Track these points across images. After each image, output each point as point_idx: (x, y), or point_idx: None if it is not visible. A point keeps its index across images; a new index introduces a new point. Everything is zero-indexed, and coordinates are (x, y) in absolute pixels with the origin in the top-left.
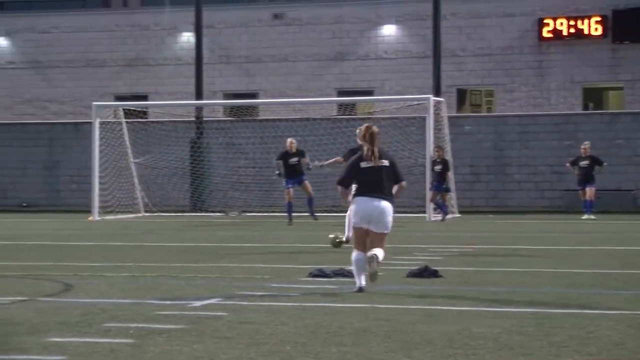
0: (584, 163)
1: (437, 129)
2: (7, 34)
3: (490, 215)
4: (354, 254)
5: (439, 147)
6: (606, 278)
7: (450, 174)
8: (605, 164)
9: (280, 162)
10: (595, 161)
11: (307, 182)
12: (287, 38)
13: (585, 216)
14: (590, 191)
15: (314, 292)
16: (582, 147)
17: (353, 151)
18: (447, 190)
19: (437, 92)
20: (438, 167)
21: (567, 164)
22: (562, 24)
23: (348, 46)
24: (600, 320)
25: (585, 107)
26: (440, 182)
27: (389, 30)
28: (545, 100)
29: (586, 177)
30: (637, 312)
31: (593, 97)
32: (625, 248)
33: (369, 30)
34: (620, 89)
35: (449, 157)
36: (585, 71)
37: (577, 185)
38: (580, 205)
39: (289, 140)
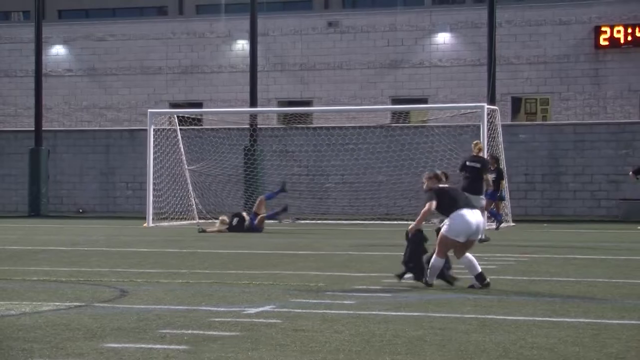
0: None
1: (492, 137)
2: (64, 42)
3: (545, 225)
4: (440, 260)
5: (492, 156)
6: None
7: (505, 183)
8: None
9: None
10: None
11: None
12: (341, 46)
13: None
14: None
15: (368, 300)
16: None
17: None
18: (502, 198)
19: (491, 100)
20: (493, 176)
21: (631, 173)
22: (619, 31)
23: (402, 54)
24: None
25: None
26: (494, 191)
27: (443, 37)
28: (601, 109)
29: None
30: None
31: None
32: None
33: (423, 38)
34: None
35: (503, 165)
36: None
37: None
38: (639, 214)
39: None
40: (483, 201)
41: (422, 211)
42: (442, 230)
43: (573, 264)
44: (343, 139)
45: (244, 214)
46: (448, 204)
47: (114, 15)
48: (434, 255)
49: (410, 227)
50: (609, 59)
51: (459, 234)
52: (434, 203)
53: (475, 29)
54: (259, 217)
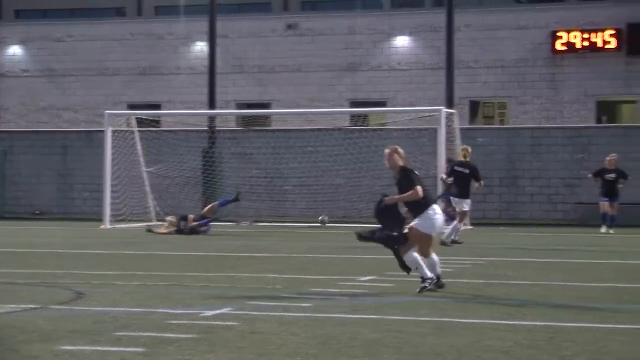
0: (610, 176)
1: (449, 140)
2: (21, 42)
3: (502, 228)
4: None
5: (449, 160)
6: (619, 292)
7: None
8: (629, 177)
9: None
10: (621, 174)
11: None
12: (300, 48)
13: (604, 229)
14: (614, 205)
15: (325, 303)
16: (608, 159)
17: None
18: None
19: (449, 103)
20: (451, 179)
21: (590, 176)
22: (575, 37)
23: (361, 57)
24: (612, 334)
25: (599, 121)
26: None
27: (402, 41)
28: (558, 113)
29: (611, 191)
30: None
31: (606, 110)
32: (637, 262)
33: (382, 41)
34: (634, 102)
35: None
36: (599, 84)
37: (600, 197)
38: (594, 218)
39: None
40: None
41: (408, 194)
42: (418, 226)
43: (529, 267)
44: (301, 141)
45: (191, 216)
46: (424, 196)
47: (72, 15)
48: (410, 252)
49: (388, 199)
50: (565, 63)
51: (432, 229)
52: (420, 189)
53: (434, 32)
54: (206, 210)
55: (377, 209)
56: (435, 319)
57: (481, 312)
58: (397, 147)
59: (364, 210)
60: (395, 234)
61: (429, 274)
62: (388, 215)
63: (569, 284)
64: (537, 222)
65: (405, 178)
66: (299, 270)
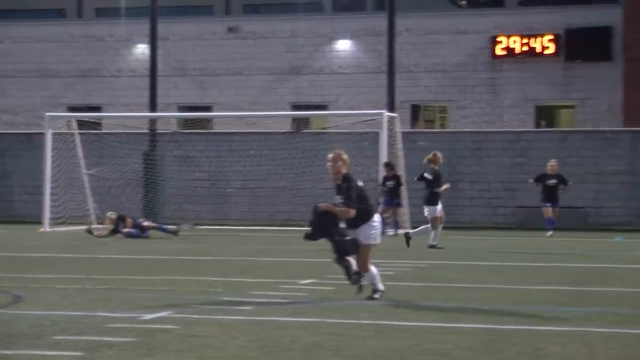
0: (551, 182)
1: (391, 144)
2: None
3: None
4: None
5: (387, 164)
6: (557, 295)
7: (403, 190)
8: (570, 183)
9: None
10: (562, 180)
11: None
12: (241, 51)
13: (550, 233)
14: (555, 210)
15: (265, 306)
16: (549, 164)
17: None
18: (399, 205)
19: (391, 107)
20: (390, 183)
21: (531, 181)
22: (515, 42)
23: (303, 60)
24: (550, 336)
25: (538, 125)
26: (392, 198)
27: (343, 45)
28: (497, 118)
29: (552, 196)
30: (587, 329)
31: (545, 114)
32: (575, 265)
33: (323, 45)
34: (572, 107)
35: (402, 172)
36: (538, 89)
37: (541, 203)
38: (534, 221)
39: None
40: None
41: (340, 210)
42: (368, 240)
43: (469, 271)
44: (244, 145)
45: (130, 219)
46: (366, 204)
47: (12, 17)
48: (364, 271)
49: (323, 204)
50: (505, 68)
51: (376, 239)
52: (352, 212)
53: (375, 36)
54: (145, 224)
55: (314, 216)
56: (376, 322)
57: (422, 315)
58: (342, 153)
59: (306, 213)
60: (348, 238)
61: (382, 287)
62: (326, 222)
63: (509, 286)
64: (477, 226)
65: (346, 189)
66: (240, 273)
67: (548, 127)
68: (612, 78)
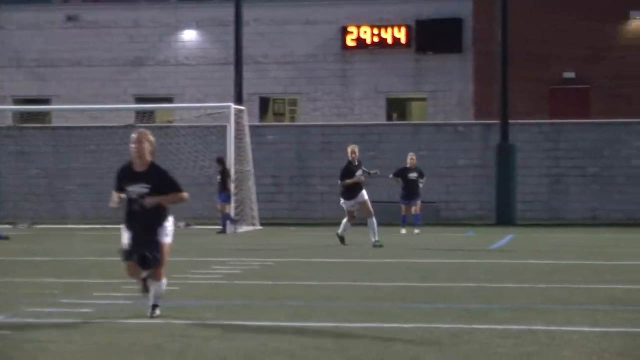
0: (412, 175)
1: (239, 138)
2: None
3: (293, 228)
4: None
5: (217, 159)
6: (406, 291)
7: (231, 184)
8: (425, 177)
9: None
10: (420, 173)
11: None
12: (82, 41)
13: (417, 230)
14: (417, 205)
15: (107, 308)
16: (409, 157)
17: None
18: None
19: (238, 100)
20: (219, 178)
21: (391, 176)
22: (365, 32)
23: (147, 51)
24: (398, 333)
25: (389, 118)
26: (223, 193)
27: (189, 35)
28: (349, 110)
29: (413, 190)
30: (435, 326)
31: (397, 107)
32: (426, 261)
33: (168, 35)
34: (424, 99)
35: (250, 167)
36: (389, 81)
37: (400, 199)
38: (386, 217)
39: None
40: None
41: (176, 197)
42: (168, 240)
43: (318, 268)
44: (84, 139)
45: None
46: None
47: None
48: (161, 281)
49: (150, 200)
50: (356, 59)
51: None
52: (186, 195)
53: (222, 26)
54: None
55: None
56: (222, 322)
57: (268, 314)
58: (147, 132)
59: None
60: (148, 254)
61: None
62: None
63: (358, 283)
64: (328, 222)
65: (163, 176)
66: (80, 274)
67: (399, 120)
68: (463, 70)
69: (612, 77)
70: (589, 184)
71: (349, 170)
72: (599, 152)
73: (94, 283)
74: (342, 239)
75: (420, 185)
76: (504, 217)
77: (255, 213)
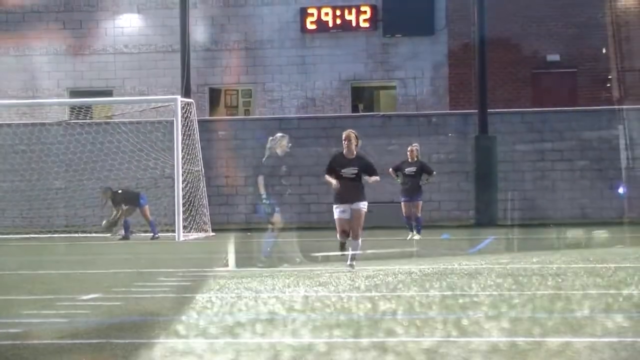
0: (410, 170)
1: (187, 134)
2: None
3: (250, 234)
4: None
5: (105, 189)
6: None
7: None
8: (434, 172)
9: None
10: (424, 168)
11: None
12: (8, 29)
13: (417, 236)
14: (417, 205)
15: (39, 327)
16: (409, 149)
17: None
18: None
19: (186, 92)
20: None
21: (390, 171)
22: (327, 14)
23: (81, 39)
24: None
25: (355, 109)
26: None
27: (129, 20)
28: (310, 101)
29: (413, 188)
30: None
31: (363, 97)
32: (391, 268)
33: (106, 20)
34: (393, 87)
35: (200, 167)
36: (354, 68)
37: (401, 197)
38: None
39: None
40: None
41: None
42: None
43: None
44: (12, 138)
45: None
46: None
47: None
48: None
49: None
50: (317, 44)
51: None
52: None
53: (166, 9)
54: None
55: None
56: (167, 340)
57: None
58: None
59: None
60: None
61: None
62: None
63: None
64: (290, 226)
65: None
66: (7, 290)
67: (366, 111)
68: (436, 55)
69: (601, 59)
70: (577, 180)
71: (334, 165)
72: (588, 144)
73: (25, 299)
74: (342, 245)
75: (423, 182)
76: (484, 217)
77: (207, 218)
